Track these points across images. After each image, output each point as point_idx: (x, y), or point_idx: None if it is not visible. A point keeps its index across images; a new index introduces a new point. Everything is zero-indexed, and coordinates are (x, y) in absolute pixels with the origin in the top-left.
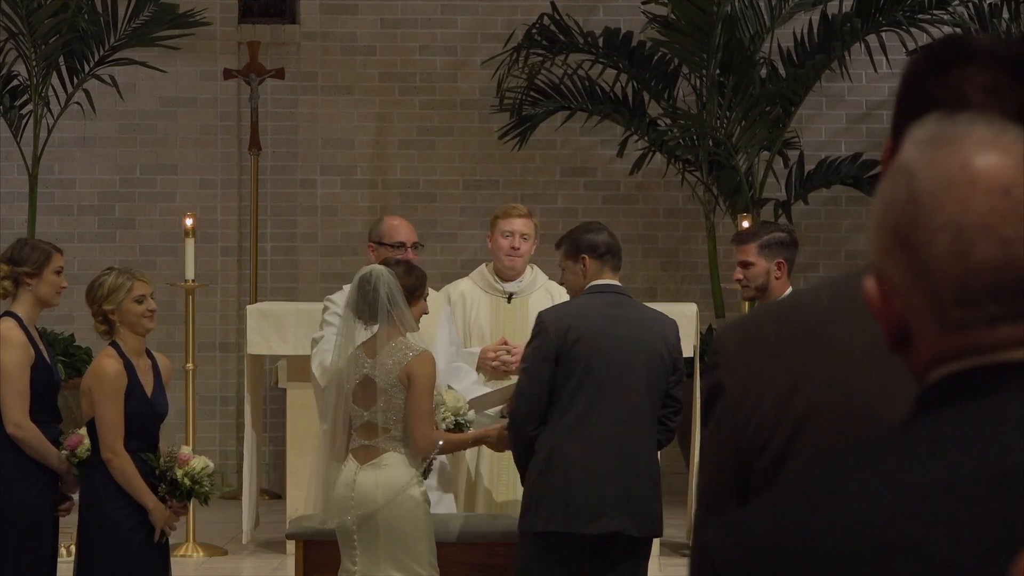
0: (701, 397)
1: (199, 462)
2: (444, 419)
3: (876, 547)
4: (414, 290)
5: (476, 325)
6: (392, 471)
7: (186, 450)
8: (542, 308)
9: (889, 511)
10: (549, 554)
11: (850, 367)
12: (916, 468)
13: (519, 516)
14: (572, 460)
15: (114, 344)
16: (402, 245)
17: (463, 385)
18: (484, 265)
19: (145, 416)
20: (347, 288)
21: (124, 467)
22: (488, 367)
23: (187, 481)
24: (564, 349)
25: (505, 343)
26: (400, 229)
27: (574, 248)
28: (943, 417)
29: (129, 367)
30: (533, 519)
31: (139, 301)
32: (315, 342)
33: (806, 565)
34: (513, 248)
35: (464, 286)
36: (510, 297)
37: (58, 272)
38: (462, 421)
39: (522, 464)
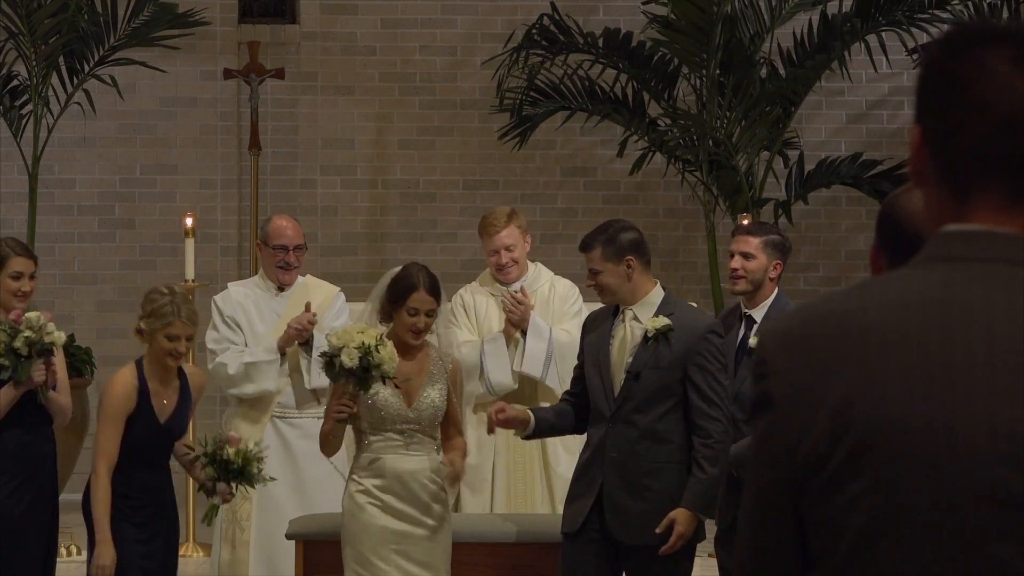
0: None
1: (251, 443)
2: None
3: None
4: (394, 300)
5: (488, 328)
6: None
7: (235, 432)
8: (546, 301)
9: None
10: None
11: (909, 379)
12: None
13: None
14: None
15: (138, 362)
16: (284, 248)
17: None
18: (488, 270)
19: (147, 441)
20: (231, 287)
21: (97, 492)
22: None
23: (239, 460)
24: None
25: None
26: (285, 231)
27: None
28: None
29: (143, 390)
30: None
31: (171, 339)
32: (215, 350)
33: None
34: (501, 265)
35: (473, 292)
36: None
37: (16, 276)
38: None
39: None
